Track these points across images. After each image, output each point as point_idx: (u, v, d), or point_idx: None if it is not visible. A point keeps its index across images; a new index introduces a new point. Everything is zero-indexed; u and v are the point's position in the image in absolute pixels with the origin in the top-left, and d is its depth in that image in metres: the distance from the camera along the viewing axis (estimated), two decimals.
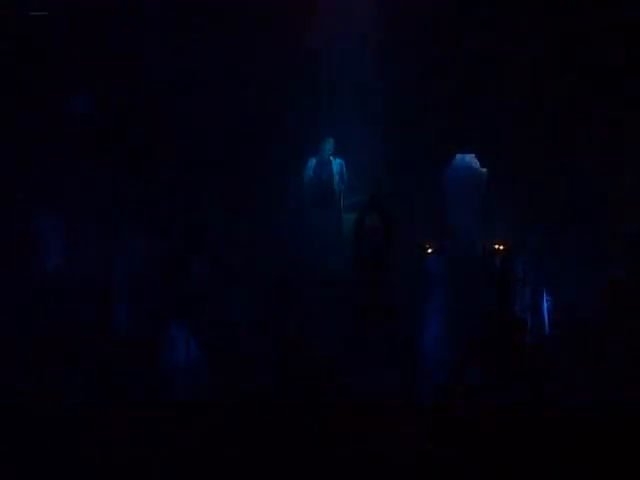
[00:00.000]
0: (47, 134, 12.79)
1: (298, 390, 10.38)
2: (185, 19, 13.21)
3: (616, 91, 12.73)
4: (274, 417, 9.25)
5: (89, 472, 8.18)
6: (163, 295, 11.28)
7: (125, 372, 10.65)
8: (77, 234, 12.46)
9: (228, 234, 12.60)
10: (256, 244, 12.37)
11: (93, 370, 10.61)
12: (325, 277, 12.22)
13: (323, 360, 10.67)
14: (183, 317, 11.10)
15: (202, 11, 13.18)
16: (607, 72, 12.77)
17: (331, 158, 13.39)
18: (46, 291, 11.41)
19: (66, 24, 12.94)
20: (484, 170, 13.15)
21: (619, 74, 12.73)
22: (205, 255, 11.83)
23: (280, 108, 13.29)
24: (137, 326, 11.23)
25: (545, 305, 11.55)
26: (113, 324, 11.43)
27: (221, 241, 12.27)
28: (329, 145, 13.34)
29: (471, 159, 13.19)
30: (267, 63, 13.11)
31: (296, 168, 13.43)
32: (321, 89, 13.32)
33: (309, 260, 12.64)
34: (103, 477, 8.18)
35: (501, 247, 12.34)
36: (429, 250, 11.76)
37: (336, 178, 13.35)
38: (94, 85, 13.00)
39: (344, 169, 13.38)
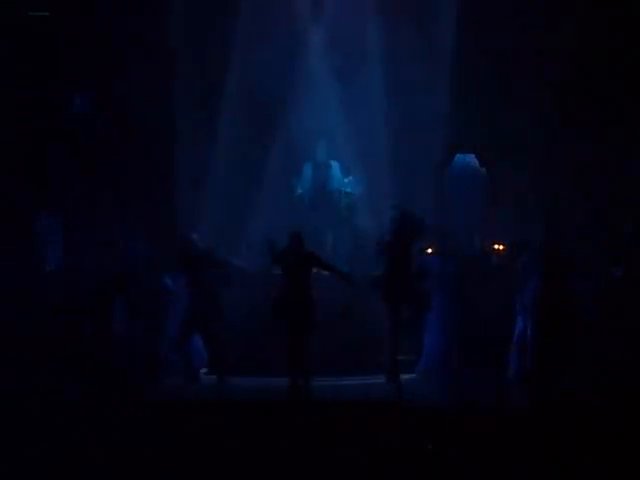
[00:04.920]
0: (48, 134, 12.81)
1: (297, 389, 10.39)
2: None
3: (616, 91, 12.75)
4: (274, 417, 9.26)
5: (89, 472, 8.18)
6: (163, 295, 11.29)
7: (125, 372, 10.67)
8: (77, 234, 12.49)
9: (228, 233, 12.66)
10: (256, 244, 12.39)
11: (93, 370, 10.62)
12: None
13: (322, 359, 10.68)
14: (184, 317, 11.11)
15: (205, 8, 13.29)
16: (607, 72, 12.79)
17: (329, 162, 13.39)
18: (46, 291, 11.41)
19: (66, 24, 12.97)
20: (484, 170, 13.18)
21: (619, 74, 12.76)
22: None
23: (279, 109, 13.34)
24: (137, 326, 11.21)
25: None
26: (113, 324, 11.42)
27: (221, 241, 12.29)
28: (321, 148, 13.33)
29: (471, 159, 13.23)
30: (267, 65, 13.15)
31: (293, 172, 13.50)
32: (320, 89, 13.35)
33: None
34: (103, 477, 8.18)
35: (501, 247, 12.35)
36: (429, 250, 11.75)
37: (333, 179, 13.35)
38: (94, 85, 13.02)
39: (340, 170, 13.39)
